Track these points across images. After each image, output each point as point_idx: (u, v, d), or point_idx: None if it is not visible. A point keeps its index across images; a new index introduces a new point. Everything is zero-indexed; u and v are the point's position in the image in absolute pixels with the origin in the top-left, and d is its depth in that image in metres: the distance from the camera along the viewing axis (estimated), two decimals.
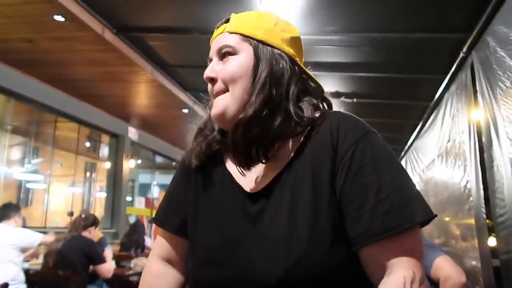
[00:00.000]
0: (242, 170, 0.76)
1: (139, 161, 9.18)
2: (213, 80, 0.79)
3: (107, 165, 7.11)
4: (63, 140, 6.72)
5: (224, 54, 0.79)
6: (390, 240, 0.65)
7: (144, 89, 5.21)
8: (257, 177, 0.77)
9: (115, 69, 4.49)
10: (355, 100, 4.64)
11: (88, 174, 8.21)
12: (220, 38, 0.81)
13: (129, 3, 3.35)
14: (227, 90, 0.77)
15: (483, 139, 2.95)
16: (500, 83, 2.61)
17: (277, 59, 0.77)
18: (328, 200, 0.69)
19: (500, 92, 2.61)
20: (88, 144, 7.71)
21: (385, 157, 0.70)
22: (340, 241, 0.67)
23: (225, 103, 0.77)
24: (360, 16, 3.24)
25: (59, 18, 3.34)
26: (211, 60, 0.82)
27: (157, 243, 0.90)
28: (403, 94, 4.84)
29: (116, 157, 6.97)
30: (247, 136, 0.73)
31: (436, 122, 4.54)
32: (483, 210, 3.03)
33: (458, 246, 3.72)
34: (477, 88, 3.05)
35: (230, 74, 0.77)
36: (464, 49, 3.30)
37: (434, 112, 4.69)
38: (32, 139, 6.77)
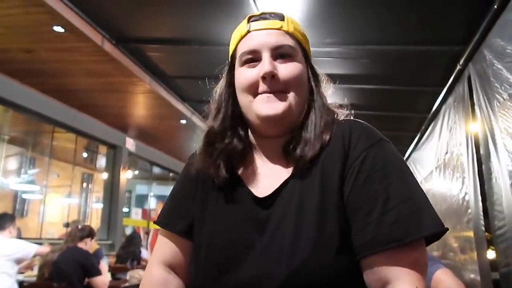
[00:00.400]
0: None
1: (136, 172, 9.15)
2: (272, 78, 0.75)
3: (104, 175, 7.07)
4: (60, 150, 6.70)
5: (282, 54, 0.77)
6: (395, 251, 0.63)
7: (142, 100, 5.21)
8: (266, 182, 0.77)
9: (114, 80, 4.50)
10: (353, 111, 4.65)
11: (84, 184, 8.17)
12: (277, 35, 0.77)
13: (129, 15, 3.37)
14: (284, 92, 0.75)
15: (481, 151, 2.96)
16: (497, 95, 2.62)
17: (315, 72, 0.83)
18: (337, 204, 0.68)
19: (498, 104, 2.62)
20: (85, 154, 7.68)
21: (396, 166, 0.69)
22: (346, 247, 0.66)
23: (288, 105, 0.75)
24: (358, 28, 3.27)
25: (58, 29, 3.36)
26: (255, 52, 0.77)
27: (159, 246, 0.86)
28: (400, 106, 4.87)
29: (113, 168, 6.93)
30: (298, 141, 0.75)
31: (434, 134, 4.56)
32: (482, 222, 3.02)
33: (456, 258, 3.70)
34: (475, 101, 3.07)
35: (297, 77, 0.76)
36: (461, 62, 3.33)
37: (432, 124, 4.71)
38: (29, 150, 6.74)
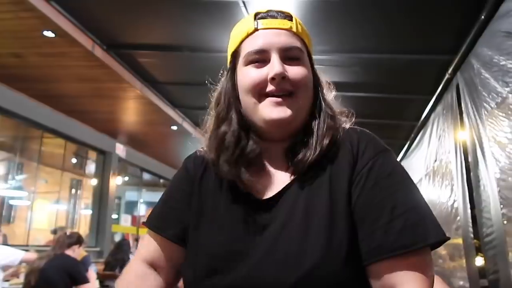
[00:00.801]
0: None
1: (126, 178, 9.07)
2: (282, 80, 0.72)
3: (94, 181, 6.99)
4: (49, 156, 6.62)
5: (291, 57, 0.75)
6: (403, 257, 0.63)
7: (132, 106, 5.19)
8: (268, 184, 0.75)
9: (104, 85, 4.47)
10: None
11: (73, 191, 8.06)
12: (286, 35, 0.75)
13: (120, 20, 3.36)
14: (292, 96, 0.73)
15: (470, 159, 2.99)
16: (485, 104, 2.66)
17: (318, 76, 0.83)
18: (346, 211, 0.68)
19: (485, 112, 2.66)
20: (74, 160, 7.59)
21: (401, 175, 0.71)
22: (354, 254, 0.66)
23: (295, 109, 0.73)
24: (350, 37, 3.30)
25: (49, 33, 3.33)
26: (263, 52, 0.74)
27: (145, 246, 0.83)
28: (390, 114, 4.91)
29: (102, 174, 6.87)
30: (301, 146, 0.74)
31: (423, 142, 4.60)
32: (471, 229, 3.05)
33: (446, 266, 3.72)
34: (463, 109, 3.11)
35: (305, 81, 0.75)
36: (450, 71, 3.38)
37: (421, 132, 4.76)
38: (17, 155, 6.64)
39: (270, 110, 0.73)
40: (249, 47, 0.75)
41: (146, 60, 4.07)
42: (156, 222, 0.83)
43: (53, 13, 3.12)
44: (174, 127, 5.87)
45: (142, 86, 4.53)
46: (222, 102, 0.79)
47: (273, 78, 0.72)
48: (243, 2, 2.87)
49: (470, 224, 3.06)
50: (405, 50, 3.40)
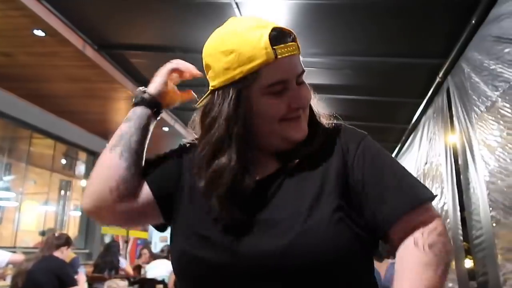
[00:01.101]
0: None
1: None
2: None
3: (83, 183, 6.92)
4: (38, 156, 6.54)
5: (301, 79, 0.79)
6: (417, 211, 0.72)
7: (124, 107, 5.15)
8: (261, 168, 0.79)
9: (95, 86, 4.43)
10: (335, 121, 4.70)
11: (62, 192, 7.97)
12: (298, 60, 0.79)
13: (112, 20, 3.34)
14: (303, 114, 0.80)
15: (459, 162, 3.02)
16: (475, 108, 2.69)
17: None
18: (335, 190, 0.74)
19: (475, 116, 2.69)
20: (64, 161, 7.51)
21: (384, 152, 0.82)
22: (345, 225, 0.71)
23: (305, 121, 0.81)
24: (341, 40, 3.32)
25: (39, 32, 3.29)
26: (285, 82, 0.76)
27: None
28: (381, 117, 4.94)
29: None
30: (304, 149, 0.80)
31: (414, 145, 4.64)
32: (460, 232, 3.07)
33: None
34: (453, 112, 3.14)
35: (309, 101, 0.82)
36: (440, 74, 3.41)
37: (412, 135, 4.79)
38: (5, 155, 6.55)
39: (295, 132, 0.78)
40: (271, 77, 0.74)
41: (138, 61, 4.04)
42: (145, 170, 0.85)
43: (43, 12, 3.09)
44: (166, 129, 5.84)
45: (133, 87, 4.49)
46: (223, 129, 0.75)
47: (296, 108, 0.77)
48: (236, 3, 2.87)
49: (460, 227, 3.08)
50: (397, 54, 3.42)
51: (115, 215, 0.80)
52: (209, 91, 0.80)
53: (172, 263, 0.79)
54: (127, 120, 0.85)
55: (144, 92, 0.89)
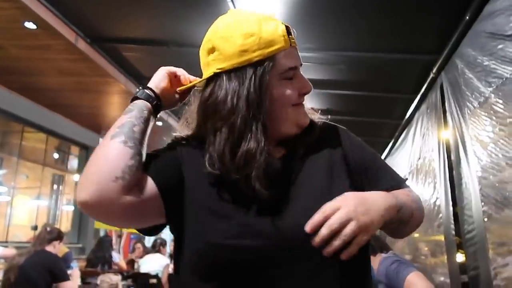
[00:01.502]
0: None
1: None
2: None
3: (76, 177, 6.88)
4: (30, 150, 6.49)
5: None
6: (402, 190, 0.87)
7: (117, 101, 5.11)
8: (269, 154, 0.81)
9: (88, 79, 4.39)
10: (329, 117, 4.71)
11: (55, 186, 7.92)
12: (297, 51, 0.84)
13: (105, 13, 3.30)
14: None
15: (452, 157, 3.04)
16: (468, 104, 2.70)
17: None
18: (343, 169, 0.83)
19: (468, 112, 2.71)
20: (56, 155, 7.46)
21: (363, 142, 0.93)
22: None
23: None
24: (335, 35, 3.31)
25: (30, 25, 3.25)
26: (296, 68, 0.82)
27: None
28: (375, 112, 4.96)
29: None
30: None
31: (407, 140, 4.66)
32: (452, 226, 3.10)
33: (427, 262, 3.78)
34: (446, 108, 3.16)
35: None
36: (434, 70, 3.42)
37: (405, 131, 4.82)
38: None
39: (303, 116, 0.84)
40: (287, 63, 0.80)
41: (131, 54, 4.00)
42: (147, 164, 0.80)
43: (34, 3, 3.04)
44: (159, 123, 5.81)
45: (126, 81, 4.46)
46: (244, 112, 0.75)
47: (305, 93, 0.83)
48: None
49: (452, 221, 3.11)
50: (391, 49, 3.42)
51: (118, 209, 0.72)
52: (210, 74, 0.79)
53: (193, 260, 0.74)
54: (128, 112, 0.81)
55: (145, 87, 0.87)
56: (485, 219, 2.46)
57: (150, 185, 0.76)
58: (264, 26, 0.78)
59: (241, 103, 0.75)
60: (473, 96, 2.62)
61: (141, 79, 4.59)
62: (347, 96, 4.45)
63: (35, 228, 5.84)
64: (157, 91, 0.86)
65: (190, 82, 0.89)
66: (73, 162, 7.37)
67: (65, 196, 7.92)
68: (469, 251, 2.77)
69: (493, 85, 2.36)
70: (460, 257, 3.11)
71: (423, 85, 3.74)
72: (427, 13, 2.91)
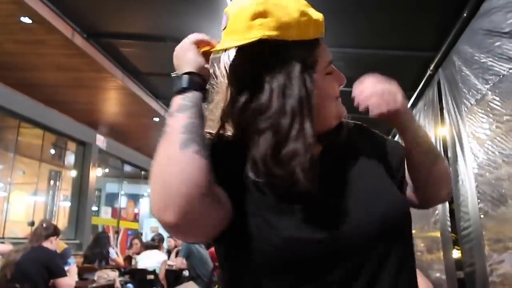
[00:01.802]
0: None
1: (107, 170, 8.93)
2: None
3: (73, 173, 6.87)
4: (26, 146, 6.47)
5: None
6: None
7: (114, 96, 5.09)
8: None
9: (84, 75, 4.37)
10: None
11: (52, 182, 7.90)
12: None
13: (102, 8, 3.28)
14: None
15: (449, 154, 3.04)
16: (465, 101, 2.71)
17: None
18: (380, 163, 0.86)
19: (465, 109, 2.71)
20: (53, 151, 7.43)
21: None
22: (400, 191, 0.84)
23: None
24: (333, 31, 3.30)
25: (26, 20, 3.23)
26: (332, 61, 0.83)
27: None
28: None
29: (82, 166, 6.76)
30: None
31: None
32: (448, 223, 3.11)
33: (423, 258, 3.80)
34: (443, 105, 3.16)
35: None
36: (432, 67, 3.42)
37: None
38: None
39: (343, 110, 0.84)
40: (328, 55, 0.82)
41: (128, 50, 3.98)
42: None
43: None
44: (156, 119, 5.80)
45: (123, 77, 4.44)
46: (294, 111, 0.69)
47: (341, 85, 0.85)
48: None
49: (448, 218, 3.12)
50: (388, 46, 3.43)
51: (208, 228, 0.67)
52: (255, 39, 0.69)
53: (271, 258, 0.69)
54: (184, 110, 0.69)
55: (188, 73, 0.72)
56: (481, 216, 2.47)
57: (224, 196, 0.70)
58: (311, 10, 0.80)
59: (290, 102, 0.69)
60: (470, 93, 2.62)
61: (138, 75, 4.57)
62: (345, 93, 4.44)
63: (32, 224, 5.83)
64: (199, 69, 0.74)
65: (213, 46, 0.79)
66: (70, 158, 7.35)
67: (62, 192, 7.90)
68: (465, 248, 2.78)
69: (490, 82, 2.36)
70: (456, 254, 3.12)
71: (420, 82, 3.74)
72: (425, 10, 2.91)
